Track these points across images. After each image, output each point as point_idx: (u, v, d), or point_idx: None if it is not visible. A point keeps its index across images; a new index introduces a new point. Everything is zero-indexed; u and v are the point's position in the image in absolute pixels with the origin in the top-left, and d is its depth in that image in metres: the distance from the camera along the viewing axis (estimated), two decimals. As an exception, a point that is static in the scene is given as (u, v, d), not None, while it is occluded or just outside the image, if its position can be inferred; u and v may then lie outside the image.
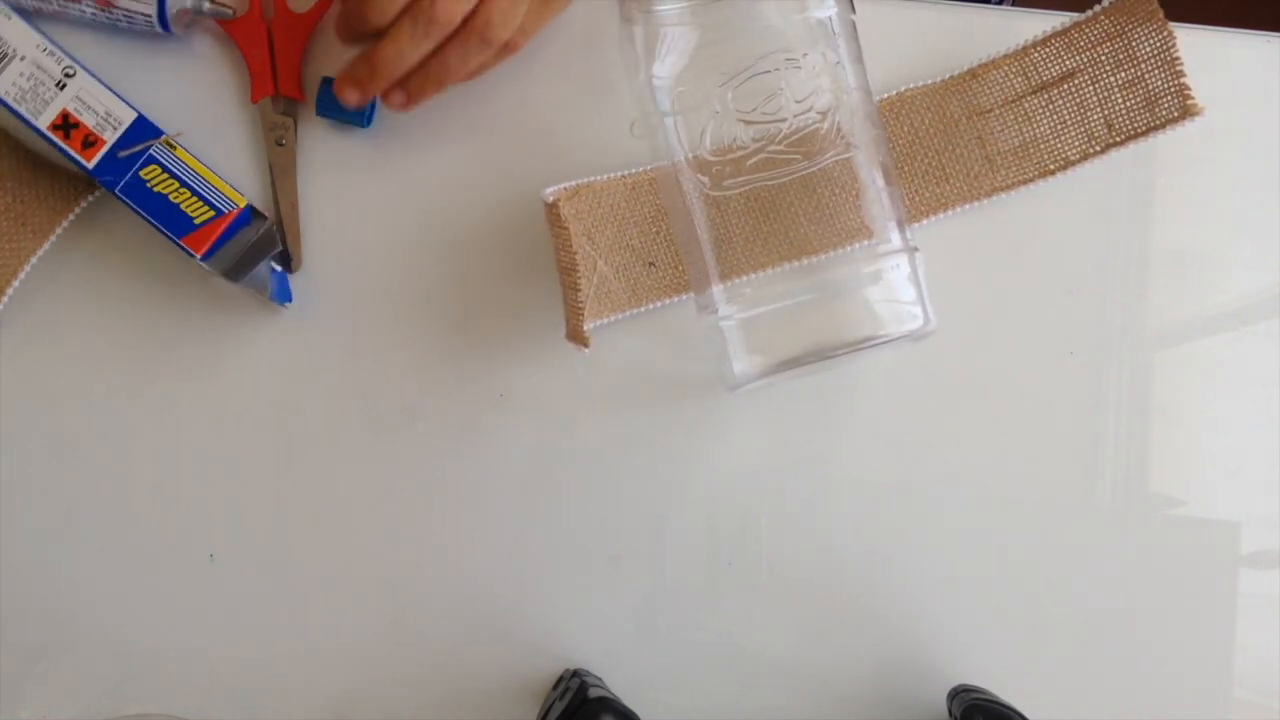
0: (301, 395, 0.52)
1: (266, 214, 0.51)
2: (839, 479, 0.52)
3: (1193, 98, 0.49)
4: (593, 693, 0.47)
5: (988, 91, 0.51)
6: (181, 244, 0.48)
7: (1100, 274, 0.53)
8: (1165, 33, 0.48)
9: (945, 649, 0.52)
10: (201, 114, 0.52)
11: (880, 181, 0.45)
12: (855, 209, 0.45)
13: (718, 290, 0.46)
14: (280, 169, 0.52)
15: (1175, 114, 0.49)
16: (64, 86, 0.48)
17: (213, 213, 0.48)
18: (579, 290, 0.46)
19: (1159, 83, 0.49)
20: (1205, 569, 0.52)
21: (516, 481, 0.52)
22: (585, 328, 0.47)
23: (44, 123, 0.48)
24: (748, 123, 0.45)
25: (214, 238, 0.48)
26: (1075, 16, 0.50)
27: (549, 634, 0.52)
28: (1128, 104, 0.50)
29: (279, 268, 0.51)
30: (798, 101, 0.44)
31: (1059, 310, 0.53)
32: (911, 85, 0.52)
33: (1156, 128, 0.50)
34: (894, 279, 0.45)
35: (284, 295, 0.51)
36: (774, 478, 0.52)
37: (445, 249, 0.52)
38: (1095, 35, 0.50)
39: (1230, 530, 0.52)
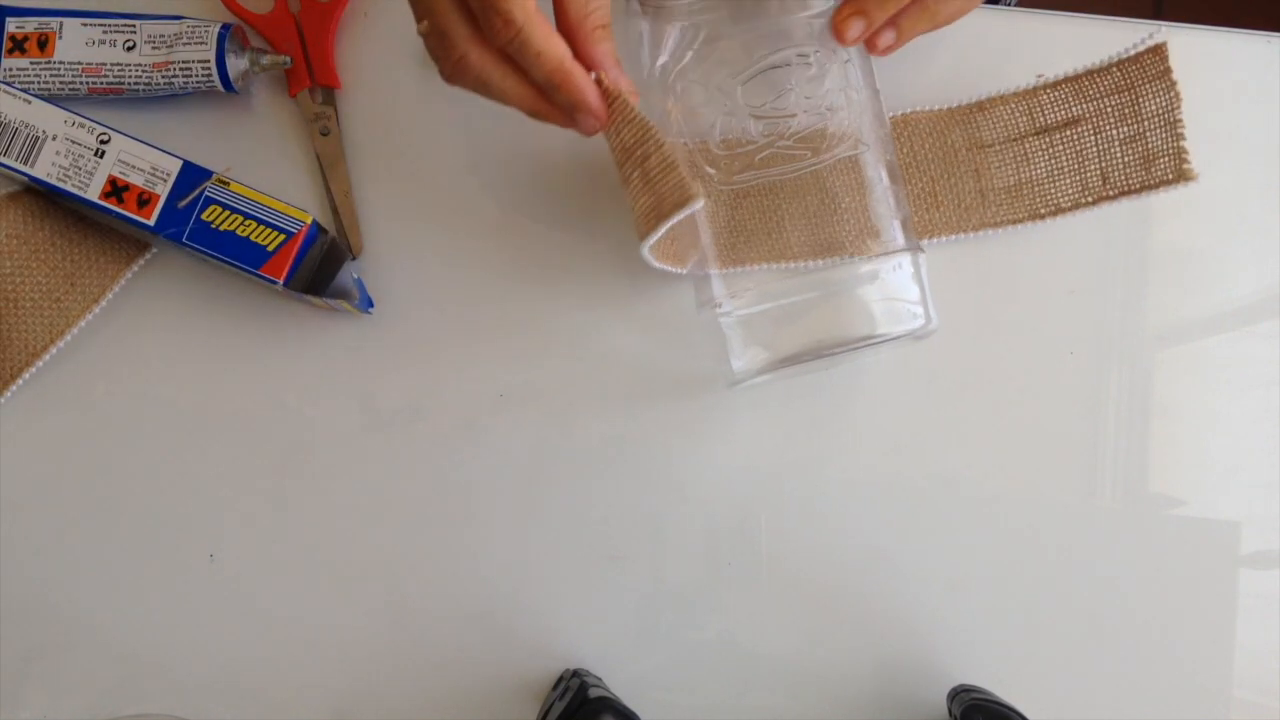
0: (301, 395, 0.52)
1: (325, 206, 0.52)
2: (839, 479, 0.52)
3: (1189, 163, 0.49)
4: (593, 693, 0.47)
5: (991, 126, 0.51)
6: (261, 274, 0.47)
7: (1100, 274, 0.53)
8: (1173, 93, 0.49)
9: (945, 649, 0.52)
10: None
11: (886, 180, 0.45)
12: (861, 207, 0.45)
13: (719, 285, 0.46)
14: (329, 159, 0.52)
15: (1170, 176, 0.49)
16: (103, 153, 0.47)
17: (283, 236, 0.47)
18: (661, 147, 0.42)
19: (1159, 142, 0.50)
20: (1205, 569, 0.52)
21: (516, 481, 0.52)
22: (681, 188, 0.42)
23: (94, 193, 0.47)
24: (758, 118, 0.44)
25: (290, 259, 0.47)
26: (1089, 65, 0.50)
27: (549, 634, 0.52)
28: (1126, 159, 0.50)
29: (358, 276, 0.51)
30: (807, 98, 0.44)
31: (1059, 310, 0.53)
32: (917, 109, 0.52)
33: (1150, 187, 0.50)
34: (897, 278, 0.45)
35: (366, 302, 0.51)
36: (774, 477, 0.52)
37: (444, 249, 0.52)
38: (1105, 86, 0.50)
39: (1230, 530, 0.52)
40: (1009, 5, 0.70)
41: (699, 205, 0.41)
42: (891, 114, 0.51)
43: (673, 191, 0.42)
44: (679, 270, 0.48)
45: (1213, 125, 0.52)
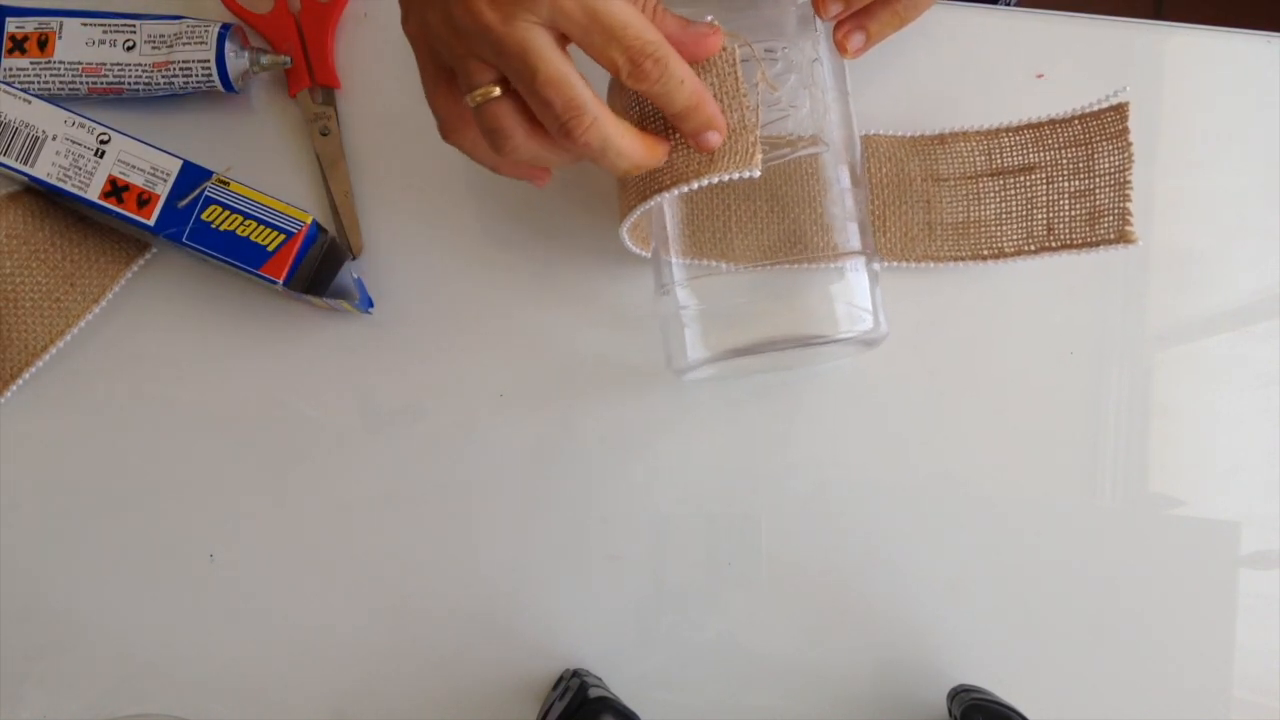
0: (302, 395, 0.52)
1: (325, 206, 0.52)
2: (839, 478, 0.52)
3: (1131, 225, 0.49)
4: (593, 693, 0.47)
5: (949, 160, 0.51)
6: (261, 274, 0.47)
7: (1100, 274, 0.53)
8: (1126, 154, 0.49)
9: (945, 649, 0.52)
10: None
11: (846, 182, 0.45)
12: (817, 206, 0.45)
13: (677, 273, 0.46)
14: (328, 159, 0.52)
15: (1112, 236, 0.49)
16: (103, 153, 0.47)
17: (283, 236, 0.47)
18: (746, 110, 0.41)
19: (1106, 200, 0.49)
20: (1205, 569, 0.52)
21: (516, 481, 0.52)
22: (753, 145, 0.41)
23: (94, 193, 0.47)
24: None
25: (290, 259, 0.47)
26: (1053, 115, 0.50)
27: (549, 634, 0.52)
28: (1073, 213, 0.50)
29: (358, 276, 0.51)
30: (771, 92, 0.44)
31: (1059, 310, 0.53)
32: (880, 131, 0.52)
33: (1091, 244, 0.50)
34: (850, 280, 0.45)
35: (366, 302, 0.51)
36: (775, 477, 0.52)
37: (444, 249, 0.52)
38: (1063, 138, 0.50)
39: (1230, 530, 0.52)
40: (1009, 5, 0.70)
41: (758, 174, 0.40)
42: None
43: (743, 151, 0.40)
44: (644, 253, 0.48)
45: (1213, 125, 0.52)
